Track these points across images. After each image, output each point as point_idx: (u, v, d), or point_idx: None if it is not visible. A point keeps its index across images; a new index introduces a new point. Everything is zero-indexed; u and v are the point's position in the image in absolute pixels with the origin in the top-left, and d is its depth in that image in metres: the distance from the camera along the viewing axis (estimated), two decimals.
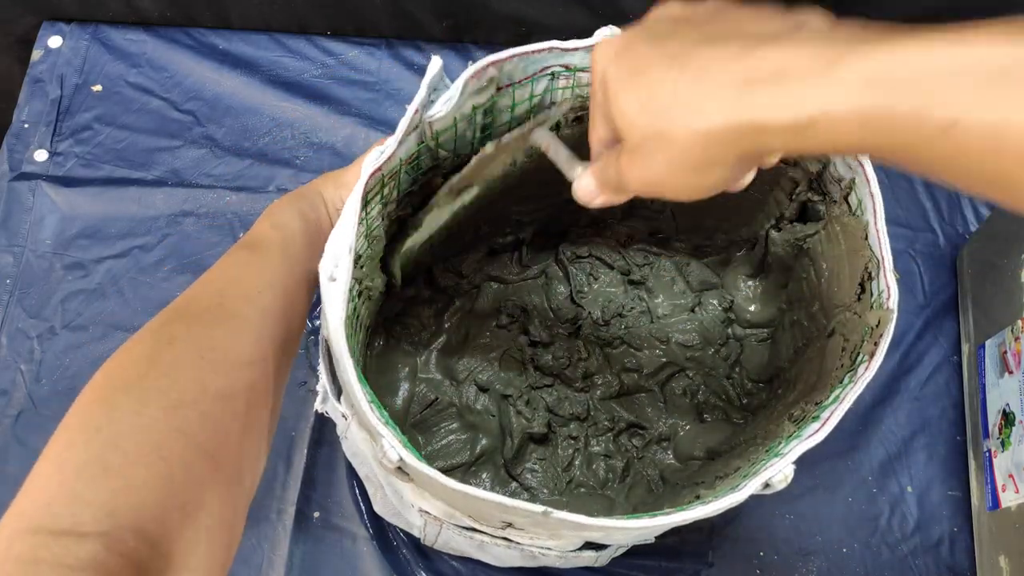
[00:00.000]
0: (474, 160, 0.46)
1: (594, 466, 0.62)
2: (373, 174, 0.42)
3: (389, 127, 0.75)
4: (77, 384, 0.64)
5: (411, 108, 0.42)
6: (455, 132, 0.46)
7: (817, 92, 0.26)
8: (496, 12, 0.73)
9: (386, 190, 0.46)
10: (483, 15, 0.74)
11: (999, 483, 0.59)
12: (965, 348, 0.67)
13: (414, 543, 0.61)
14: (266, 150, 0.73)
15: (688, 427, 0.62)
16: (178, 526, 0.31)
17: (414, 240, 0.52)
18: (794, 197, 0.53)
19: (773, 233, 0.56)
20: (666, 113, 0.29)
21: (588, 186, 0.37)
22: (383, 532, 0.61)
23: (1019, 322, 0.59)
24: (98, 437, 0.32)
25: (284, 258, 0.44)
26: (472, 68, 0.43)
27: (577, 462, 0.62)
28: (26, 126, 0.73)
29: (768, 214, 0.56)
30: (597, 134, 0.36)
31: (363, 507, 0.62)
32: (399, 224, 0.51)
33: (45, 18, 0.77)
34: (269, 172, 0.72)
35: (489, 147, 0.45)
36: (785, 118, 0.27)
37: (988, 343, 0.63)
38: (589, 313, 0.65)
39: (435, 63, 0.42)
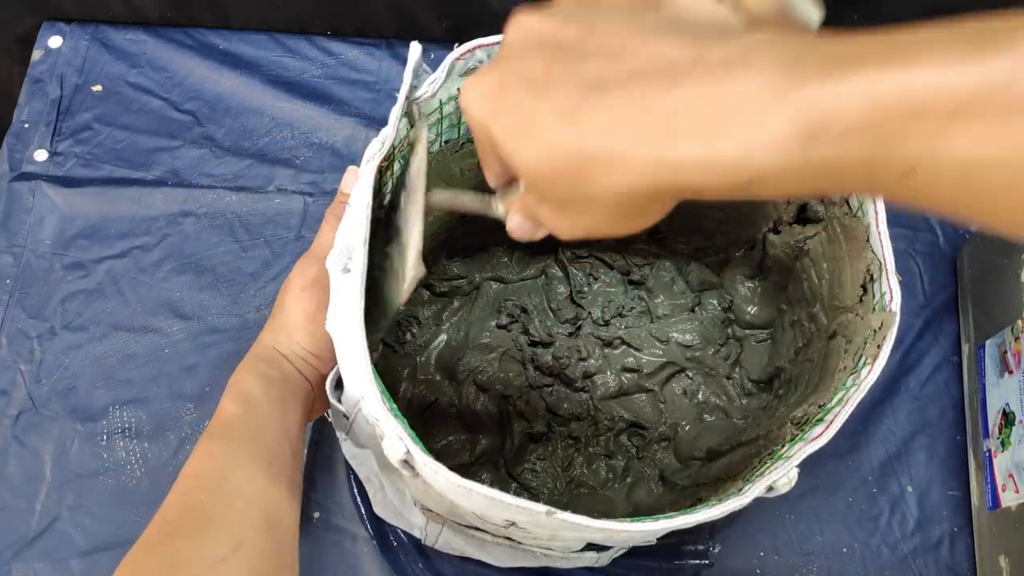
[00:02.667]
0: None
1: (594, 466, 0.62)
2: (380, 164, 0.42)
3: None
4: (77, 384, 0.64)
5: (400, 96, 0.42)
6: (441, 113, 0.46)
7: (751, 152, 0.23)
8: (496, 12, 0.73)
9: (383, 180, 0.46)
10: (483, 15, 0.74)
11: (999, 483, 0.59)
12: (965, 348, 0.68)
13: (414, 543, 0.61)
14: (266, 150, 0.73)
15: (688, 427, 0.62)
16: None
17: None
18: (791, 200, 0.52)
19: (771, 236, 0.56)
20: (582, 177, 0.26)
21: (522, 227, 0.35)
22: (383, 532, 0.61)
23: (1019, 322, 0.59)
24: None
25: (250, 430, 0.44)
26: (459, 49, 0.44)
27: (577, 462, 0.62)
28: (26, 126, 0.73)
29: (766, 217, 0.56)
30: (493, 171, 0.35)
31: (363, 508, 0.62)
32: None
33: (45, 18, 0.77)
34: (269, 172, 0.72)
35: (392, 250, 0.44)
36: (719, 182, 0.24)
37: (988, 343, 0.63)
38: (589, 313, 0.65)
39: (415, 49, 0.43)
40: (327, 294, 0.44)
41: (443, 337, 0.64)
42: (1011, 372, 0.59)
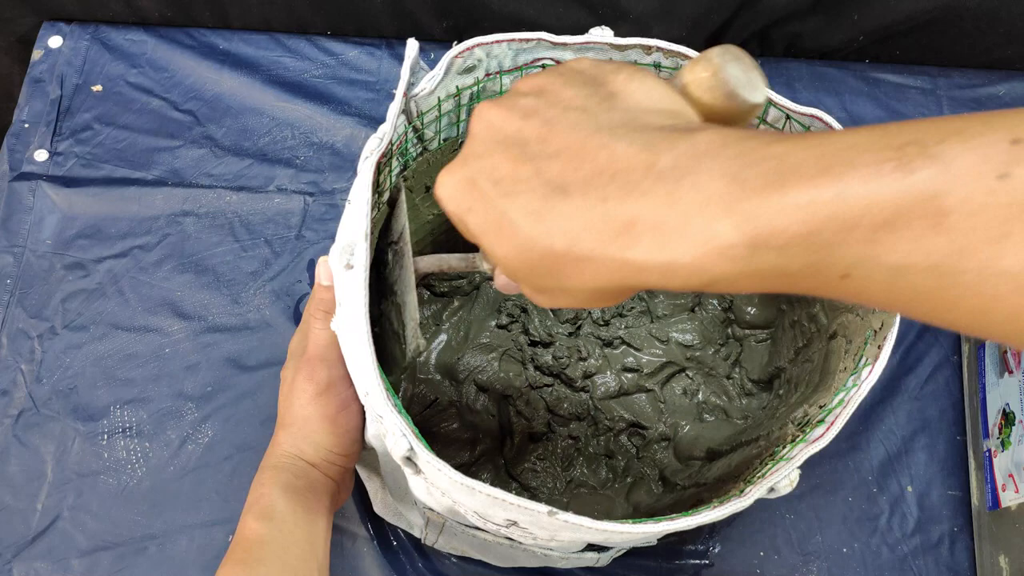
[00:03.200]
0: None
1: (594, 466, 0.62)
2: (379, 161, 0.42)
3: None
4: (78, 384, 0.64)
5: (398, 92, 0.42)
6: (439, 111, 0.47)
7: (704, 259, 0.25)
8: (496, 12, 0.73)
9: (381, 176, 0.46)
10: (483, 15, 0.74)
11: (999, 483, 0.59)
12: (965, 348, 0.68)
13: (414, 543, 0.61)
14: (266, 150, 0.73)
15: (688, 427, 0.62)
16: None
17: None
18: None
19: None
20: (555, 272, 0.28)
21: (508, 286, 0.38)
22: (383, 532, 0.61)
23: None
24: None
25: (274, 550, 0.44)
26: (457, 47, 0.44)
27: (577, 462, 0.62)
28: (26, 126, 0.73)
29: None
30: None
31: (363, 507, 0.62)
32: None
33: (45, 18, 0.77)
34: (269, 172, 0.72)
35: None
36: (680, 283, 0.26)
37: (988, 343, 0.63)
38: (589, 313, 0.65)
39: (411, 45, 0.43)
40: (343, 394, 0.45)
41: (443, 337, 0.64)
42: (1011, 372, 0.59)
